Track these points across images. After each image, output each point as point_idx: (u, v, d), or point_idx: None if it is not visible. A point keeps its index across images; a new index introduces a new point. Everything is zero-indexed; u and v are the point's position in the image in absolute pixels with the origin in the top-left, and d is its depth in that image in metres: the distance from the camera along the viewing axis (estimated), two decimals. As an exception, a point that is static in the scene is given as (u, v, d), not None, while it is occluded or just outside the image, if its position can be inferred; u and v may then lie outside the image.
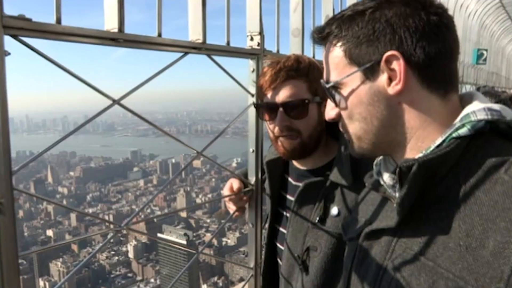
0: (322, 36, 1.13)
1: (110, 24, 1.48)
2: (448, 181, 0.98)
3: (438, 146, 1.01)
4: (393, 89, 1.02)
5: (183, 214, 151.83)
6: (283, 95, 1.75)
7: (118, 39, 1.49)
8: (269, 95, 1.79)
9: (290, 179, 1.99)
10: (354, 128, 1.12)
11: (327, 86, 1.12)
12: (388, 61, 1.00)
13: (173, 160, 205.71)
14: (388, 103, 1.04)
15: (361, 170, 1.69)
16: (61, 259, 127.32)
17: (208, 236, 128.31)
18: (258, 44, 2.12)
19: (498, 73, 19.23)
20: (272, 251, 2.06)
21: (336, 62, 1.10)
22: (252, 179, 2.21)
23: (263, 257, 2.15)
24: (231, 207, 2.16)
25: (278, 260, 2.03)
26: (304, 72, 1.77)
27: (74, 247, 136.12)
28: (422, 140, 1.06)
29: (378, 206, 1.23)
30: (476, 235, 0.88)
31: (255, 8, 2.11)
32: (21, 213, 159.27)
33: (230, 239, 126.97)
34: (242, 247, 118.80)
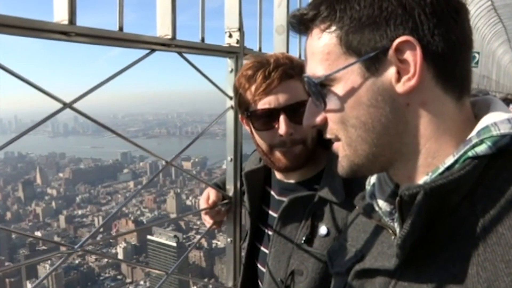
0: (306, 19, 0.89)
1: (59, 15, 1.27)
2: (461, 212, 0.79)
3: (448, 168, 0.80)
4: (403, 85, 0.81)
5: (173, 216, 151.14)
6: (283, 98, 1.53)
7: (69, 32, 1.28)
8: (264, 100, 1.55)
9: (272, 192, 1.78)
10: (348, 136, 0.88)
11: (315, 82, 0.87)
12: (399, 50, 0.80)
13: (163, 162, 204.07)
14: (395, 104, 0.83)
15: (354, 185, 1.48)
16: (49, 261, 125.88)
17: (198, 238, 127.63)
18: (237, 42, 1.93)
19: (489, 77, 19.26)
20: (251, 272, 1.85)
21: (326, 51, 0.86)
22: (230, 191, 2.01)
23: (240, 277, 1.95)
24: (208, 221, 1.95)
25: (259, 282, 1.82)
26: (298, 70, 1.55)
27: (63, 249, 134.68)
28: (433, 154, 0.85)
29: (371, 235, 1.04)
30: None
31: (234, 2, 1.92)
32: (8, 215, 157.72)
33: (220, 241, 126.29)
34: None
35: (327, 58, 0.86)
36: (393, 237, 0.93)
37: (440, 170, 0.81)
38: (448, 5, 0.81)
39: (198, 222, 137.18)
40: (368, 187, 1.05)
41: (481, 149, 0.78)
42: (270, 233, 1.72)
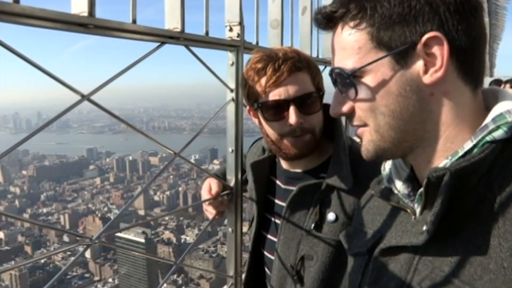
0: (336, 16, 0.95)
1: (78, 7, 1.28)
2: (479, 191, 0.86)
3: (468, 151, 0.87)
4: (431, 77, 0.88)
5: (141, 212, 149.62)
6: (292, 89, 1.59)
7: (88, 24, 1.29)
8: (274, 91, 1.60)
9: (278, 182, 1.83)
10: (376, 123, 0.95)
11: (348, 73, 0.94)
12: (427, 45, 0.87)
13: (130, 158, 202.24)
14: (421, 94, 0.90)
15: (361, 172, 1.57)
16: (13, 262, 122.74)
17: (166, 234, 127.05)
18: (238, 35, 1.95)
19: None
20: (257, 260, 1.90)
21: (357, 46, 0.93)
22: (231, 181, 2.05)
23: (243, 264, 2.00)
24: (211, 212, 1.99)
25: (266, 269, 1.88)
26: (305, 63, 1.63)
27: (28, 249, 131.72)
28: (452, 140, 0.92)
29: (388, 217, 1.10)
30: None
31: (235, -4, 1.95)
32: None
33: (189, 236, 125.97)
34: (201, 244, 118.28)
35: (358, 52, 0.93)
36: (413, 217, 1.00)
37: (460, 154, 0.88)
38: (468, 4, 0.88)
39: (167, 218, 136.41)
40: (384, 172, 1.12)
41: (498, 134, 0.85)
42: (277, 221, 1.78)
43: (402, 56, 0.89)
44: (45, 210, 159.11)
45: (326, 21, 0.98)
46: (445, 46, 0.86)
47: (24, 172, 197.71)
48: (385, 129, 0.94)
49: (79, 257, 1.36)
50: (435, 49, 0.86)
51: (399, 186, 1.06)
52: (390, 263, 1.00)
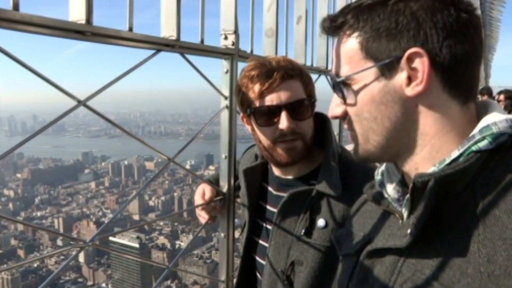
0: (336, 25, 1.02)
1: (76, 14, 1.32)
2: (464, 198, 0.89)
3: (454, 160, 0.91)
4: (412, 90, 0.93)
5: (136, 217, 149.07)
6: (284, 96, 1.63)
7: (85, 32, 1.33)
8: (267, 97, 1.65)
9: (269, 188, 1.86)
10: (361, 127, 1.02)
11: (338, 80, 1.01)
12: (410, 59, 0.91)
13: (126, 162, 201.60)
14: (404, 105, 0.95)
15: (350, 179, 1.61)
16: (5, 266, 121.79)
17: (161, 239, 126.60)
18: (233, 44, 1.99)
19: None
20: (248, 265, 1.93)
21: (350, 55, 0.99)
22: (224, 187, 2.08)
23: (235, 269, 2.02)
24: (204, 217, 2.02)
25: (257, 274, 1.90)
26: (298, 72, 1.68)
27: (20, 252, 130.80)
28: (437, 149, 0.96)
29: (378, 221, 1.15)
30: (499, 262, 0.79)
31: (230, 5, 1.99)
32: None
33: (184, 242, 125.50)
34: (196, 250, 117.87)
35: (350, 61, 0.99)
36: (400, 221, 1.04)
37: (447, 162, 0.92)
38: (457, 22, 0.92)
39: (161, 223, 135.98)
40: (377, 177, 1.16)
41: (483, 144, 0.89)
42: (268, 227, 1.81)
43: (387, 68, 0.94)
44: (39, 213, 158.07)
45: (331, 28, 1.05)
46: (426, 62, 0.90)
47: (18, 175, 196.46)
48: (369, 133, 1.01)
49: (72, 260, 1.38)
50: (417, 64, 0.91)
51: (390, 191, 1.10)
52: (376, 265, 1.05)
